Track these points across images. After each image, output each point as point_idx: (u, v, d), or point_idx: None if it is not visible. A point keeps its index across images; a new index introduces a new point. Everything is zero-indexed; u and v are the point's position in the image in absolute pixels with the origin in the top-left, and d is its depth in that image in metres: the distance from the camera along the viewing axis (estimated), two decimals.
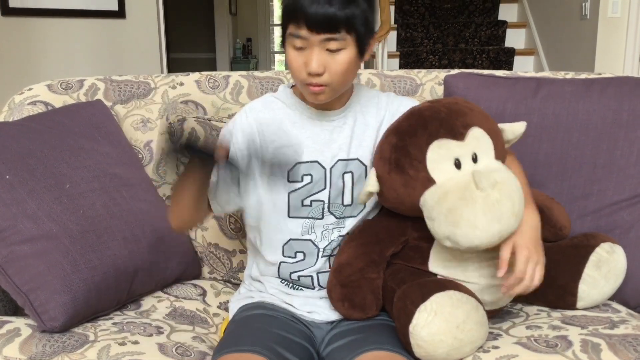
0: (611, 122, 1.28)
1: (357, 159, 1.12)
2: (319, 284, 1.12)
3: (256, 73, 1.57)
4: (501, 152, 1.07)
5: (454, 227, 0.96)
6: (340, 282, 1.06)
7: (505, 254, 0.98)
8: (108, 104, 1.46)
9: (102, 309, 1.13)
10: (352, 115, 1.13)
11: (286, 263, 1.12)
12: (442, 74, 1.53)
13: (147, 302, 1.24)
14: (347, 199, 1.11)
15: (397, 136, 1.05)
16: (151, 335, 1.08)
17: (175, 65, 3.95)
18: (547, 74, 1.52)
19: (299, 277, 1.12)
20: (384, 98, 1.17)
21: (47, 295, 1.02)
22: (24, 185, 1.09)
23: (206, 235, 1.39)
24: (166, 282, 1.28)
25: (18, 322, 1.08)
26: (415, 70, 1.58)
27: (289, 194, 1.10)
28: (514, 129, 1.11)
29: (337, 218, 1.11)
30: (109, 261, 1.12)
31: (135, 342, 1.04)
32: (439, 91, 1.52)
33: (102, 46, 3.35)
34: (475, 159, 1.02)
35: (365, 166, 1.12)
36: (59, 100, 1.44)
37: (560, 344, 0.98)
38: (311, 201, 1.10)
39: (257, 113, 1.12)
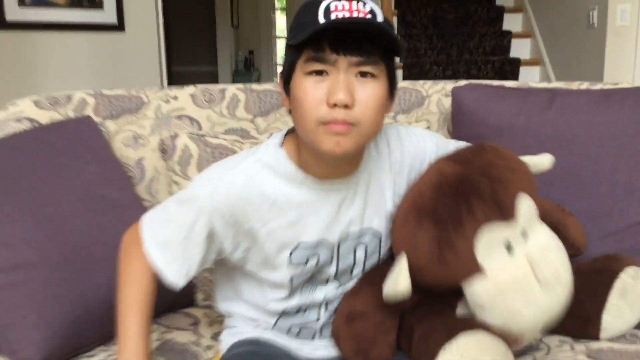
0: (631, 135, 1.20)
1: (372, 229, 0.94)
2: (320, 335, 1.00)
3: (254, 86, 1.50)
4: (535, 198, 0.94)
5: (511, 319, 0.88)
6: (352, 334, 0.94)
7: None
8: (98, 119, 1.38)
9: (84, 344, 1.05)
10: (364, 182, 0.92)
11: (286, 315, 0.98)
12: (449, 85, 1.46)
13: None
14: (357, 272, 0.96)
15: (434, 223, 0.87)
16: None
17: (176, 78, 3.89)
18: (560, 84, 1.44)
19: (300, 329, 0.99)
20: (394, 143, 0.95)
21: (23, 331, 0.94)
22: (0, 208, 1.01)
23: None
24: (157, 311, 1.19)
25: None
26: (421, 82, 1.50)
27: (291, 276, 0.93)
28: (537, 165, 0.97)
29: (340, 284, 0.97)
30: (92, 292, 1.03)
31: None
32: (446, 103, 1.45)
33: (101, 60, 3.30)
34: (524, 235, 0.89)
35: (381, 235, 0.95)
36: (45, 117, 1.36)
37: None
38: (316, 278, 0.95)
39: (240, 190, 0.87)
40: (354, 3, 0.77)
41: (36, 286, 0.97)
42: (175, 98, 1.44)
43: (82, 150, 1.22)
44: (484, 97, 1.31)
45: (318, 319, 0.98)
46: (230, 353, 0.99)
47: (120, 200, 1.19)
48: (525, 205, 0.90)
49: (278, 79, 0.90)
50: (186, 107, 1.43)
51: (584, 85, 1.43)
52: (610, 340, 1.05)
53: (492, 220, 0.86)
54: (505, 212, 0.87)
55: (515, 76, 3.92)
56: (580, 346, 1.03)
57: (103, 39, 3.30)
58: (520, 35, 4.20)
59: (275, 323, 0.99)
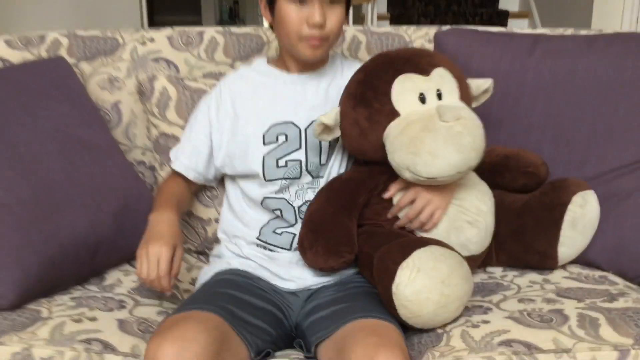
0: (614, 82, 1.19)
1: None
2: (295, 249, 1.09)
3: (233, 29, 1.46)
4: (466, 98, 1.05)
5: (414, 156, 0.95)
6: (311, 229, 1.03)
7: (405, 200, 1.03)
8: (72, 61, 1.34)
9: (60, 284, 1.04)
10: (326, 79, 1.15)
11: (267, 223, 1.12)
12: (432, 30, 1.43)
13: (112, 276, 1.15)
14: (324, 159, 1.11)
15: (363, 72, 1.05)
16: (111, 310, 1.00)
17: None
18: (545, 30, 1.42)
19: (282, 232, 1.11)
20: (338, 61, 1.19)
21: None
22: None
23: None
24: (134, 254, 1.19)
25: None
26: (405, 27, 1.48)
27: (263, 157, 1.10)
28: (478, 84, 1.09)
29: (313, 177, 1.11)
30: (67, 232, 1.02)
31: (93, 319, 0.95)
32: (430, 49, 1.42)
33: (80, 6, 3.19)
34: (440, 96, 1.01)
35: None
36: (18, 57, 1.32)
37: (556, 318, 0.91)
38: (286, 161, 1.10)
39: (231, 85, 1.18)
40: None
41: (8, 226, 0.96)
42: (152, 40, 1.40)
43: (54, 92, 1.19)
44: (466, 42, 1.29)
45: (294, 223, 1.10)
46: (211, 280, 1.07)
47: (96, 142, 1.17)
48: (443, 74, 1.02)
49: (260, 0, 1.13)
50: (163, 49, 1.40)
51: (569, 32, 1.41)
52: (579, 280, 1.08)
53: (408, 72, 1.01)
54: (421, 69, 1.01)
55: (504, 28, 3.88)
56: (551, 286, 1.05)
57: None
58: None
59: (260, 230, 1.12)
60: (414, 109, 0.99)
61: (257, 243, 1.12)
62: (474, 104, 1.10)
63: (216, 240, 1.29)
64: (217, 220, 1.29)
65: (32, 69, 1.23)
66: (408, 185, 1.03)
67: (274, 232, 1.11)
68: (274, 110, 1.12)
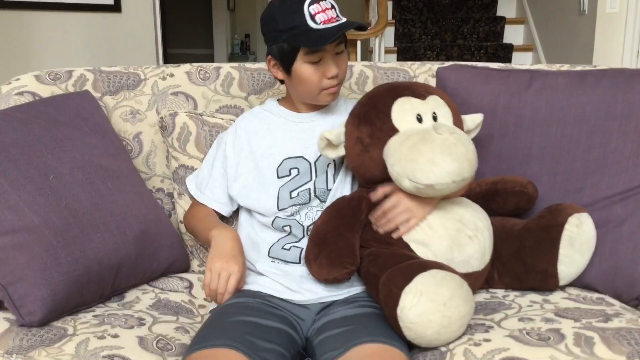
0: (605, 115, 1.26)
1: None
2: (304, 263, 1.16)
3: (247, 64, 1.55)
4: (459, 126, 1.15)
5: (413, 164, 1.03)
6: (316, 243, 1.11)
7: (387, 204, 1.12)
8: (97, 95, 1.44)
9: (84, 302, 1.11)
10: (332, 116, 1.27)
11: (277, 242, 1.20)
12: (435, 66, 1.51)
13: (131, 294, 1.22)
14: (330, 184, 1.21)
15: (366, 97, 1.19)
16: (132, 327, 1.06)
17: (172, 61, 3.92)
18: (541, 66, 1.50)
19: (290, 247, 1.19)
20: (342, 101, 1.30)
21: (26, 288, 1.00)
22: (5, 175, 1.06)
23: None
24: (153, 275, 1.26)
25: None
26: (409, 63, 1.56)
27: (278, 189, 1.20)
28: (472, 118, 1.21)
29: (321, 201, 1.20)
30: (92, 254, 1.10)
31: (115, 336, 1.02)
32: (432, 84, 1.50)
33: (97, 41, 3.32)
34: (435, 118, 1.12)
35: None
36: (46, 91, 1.42)
37: (553, 337, 0.96)
38: (298, 192, 1.20)
39: (246, 123, 1.29)
40: (329, 12, 1.13)
41: (38, 248, 1.03)
42: (172, 75, 1.50)
43: (81, 123, 1.28)
44: (467, 78, 1.36)
45: (300, 240, 1.19)
46: (219, 306, 1.11)
47: (119, 171, 1.25)
48: (438, 101, 1.15)
49: (268, 59, 1.22)
50: (182, 84, 1.49)
51: (565, 67, 1.48)
52: (577, 300, 1.13)
53: (407, 96, 1.13)
54: (417, 94, 1.14)
55: (508, 62, 3.96)
56: (550, 306, 1.10)
57: (99, 20, 3.31)
58: (513, 21, 4.23)
59: (270, 247, 1.20)
60: (411, 127, 1.10)
61: (269, 260, 1.19)
62: (470, 137, 1.18)
63: None
64: None
65: (60, 102, 1.32)
66: (393, 190, 1.13)
67: (282, 248, 1.19)
68: (286, 147, 1.22)
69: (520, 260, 1.17)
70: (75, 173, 1.16)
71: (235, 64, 1.55)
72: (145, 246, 1.21)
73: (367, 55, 4.46)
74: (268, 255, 1.20)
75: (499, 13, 4.38)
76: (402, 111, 1.11)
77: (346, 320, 1.05)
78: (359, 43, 3.46)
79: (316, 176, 1.20)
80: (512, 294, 1.19)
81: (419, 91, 1.15)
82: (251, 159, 1.23)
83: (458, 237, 1.10)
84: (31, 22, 3.16)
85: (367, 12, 4.55)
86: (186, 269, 1.36)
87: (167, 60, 3.76)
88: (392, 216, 1.12)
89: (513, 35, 4.20)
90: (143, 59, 3.42)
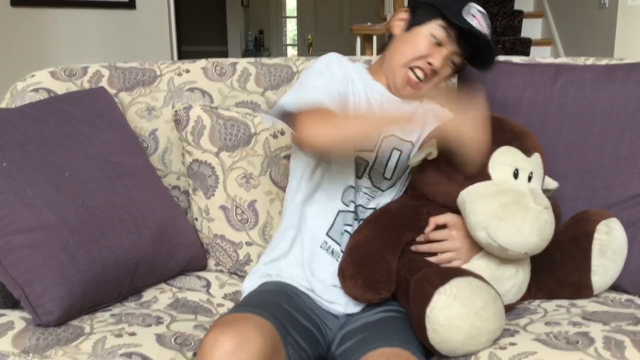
0: (635, 110, 1.22)
1: (411, 142, 1.16)
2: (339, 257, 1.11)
3: (264, 60, 1.52)
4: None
5: (499, 221, 0.97)
6: (354, 260, 1.05)
7: (436, 235, 1.05)
8: (112, 91, 1.42)
9: (101, 301, 1.09)
10: (416, 107, 1.17)
11: (343, 211, 1.12)
12: None
13: (149, 294, 1.20)
14: (388, 173, 1.15)
15: None
16: (150, 325, 1.04)
17: (186, 57, 3.94)
18: (566, 60, 1.46)
19: (343, 232, 1.11)
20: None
21: (43, 288, 0.99)
22: (21, 173, 1.05)
23: (212, 226, 1.35)
24: (170, 274, 1.24)
25: (12, 315, 1.04)
26: None
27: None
28: (548, 181, 1.15)
29: (372, 185, 1.14)
30: (109, 253, 1.08)
31: (132, 334, 1.00)
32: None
33: (112, 37, 3.32)
34: (530, 179, 1.04)
35: (412, 149, 1.16)
36: (62, 87, 1.40)
37: (582, 340, 0.93)
38: (357, 156, 1.12)
39: (348, 67, 1.17)
40: (484, 25, 1.10)
41: (55, 246, 1.02)
42: (188, 71, 1.48)
43: (97, 120, 1.26)
44: (490, 72, 1.33)
45: (351, 225, 1.11)
46: (263, 286, 1.10)
47: (135, 168, 1.23)
48: (539, 162, 1.06)
49: (400, 10, 1.18)
50: (198, 80, 1.47)
51: (590, 61, 1.44)
52: (605, 303, 1.09)
53: (514, 147, 1.03)
54: (523, 147, 1.04)
55: (526, 56, 3.90)
56: (577, 309, 1.07)
57: (114, 17, 3.31)
58: (531, 15, 4.17)
59: (333, 221, 1.11)
60: (507, 181, 1.02)
61: (323, 241, 1.11)
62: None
63: (247, 263, 1.34)
64: (247, 243, 1.34)
65: (76, 98, 1.30)
66: (447, 223, 1.05)
67: (342, 232, 1.11)
68: (366, 110, 1.14)
69: (552, 275, 1.13)
70: (92, 170, 1.14)
71: (252, 59, 1.52)
72: (163, 244, 1.19)
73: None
74: (327, 233, 1.11)
75: (517, 7, 4.31)
76: (502, 161, 1.03)
77: (366, 326, 1.03)
78: (374, 38, 3.42)
79: (377, 151, 1.12)
80: (537, 300, 1.15)
81: (526, 145, 1.05)
82: (344, 100, 1.12)
83: (497, 272, 1.05)
84: (46, 19, 3.16)
85: (382, 7, 4.50)
86: (203, 267, 1.35)
87: (181, 57, 3.75)
88: (436, 249, 1.05)
89: (531, 29, 4.14)
90: (157, 56, 3.41)
